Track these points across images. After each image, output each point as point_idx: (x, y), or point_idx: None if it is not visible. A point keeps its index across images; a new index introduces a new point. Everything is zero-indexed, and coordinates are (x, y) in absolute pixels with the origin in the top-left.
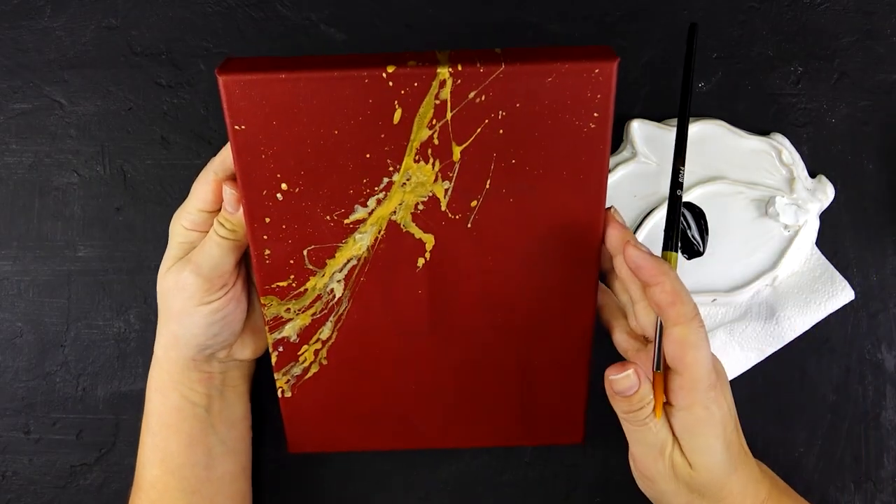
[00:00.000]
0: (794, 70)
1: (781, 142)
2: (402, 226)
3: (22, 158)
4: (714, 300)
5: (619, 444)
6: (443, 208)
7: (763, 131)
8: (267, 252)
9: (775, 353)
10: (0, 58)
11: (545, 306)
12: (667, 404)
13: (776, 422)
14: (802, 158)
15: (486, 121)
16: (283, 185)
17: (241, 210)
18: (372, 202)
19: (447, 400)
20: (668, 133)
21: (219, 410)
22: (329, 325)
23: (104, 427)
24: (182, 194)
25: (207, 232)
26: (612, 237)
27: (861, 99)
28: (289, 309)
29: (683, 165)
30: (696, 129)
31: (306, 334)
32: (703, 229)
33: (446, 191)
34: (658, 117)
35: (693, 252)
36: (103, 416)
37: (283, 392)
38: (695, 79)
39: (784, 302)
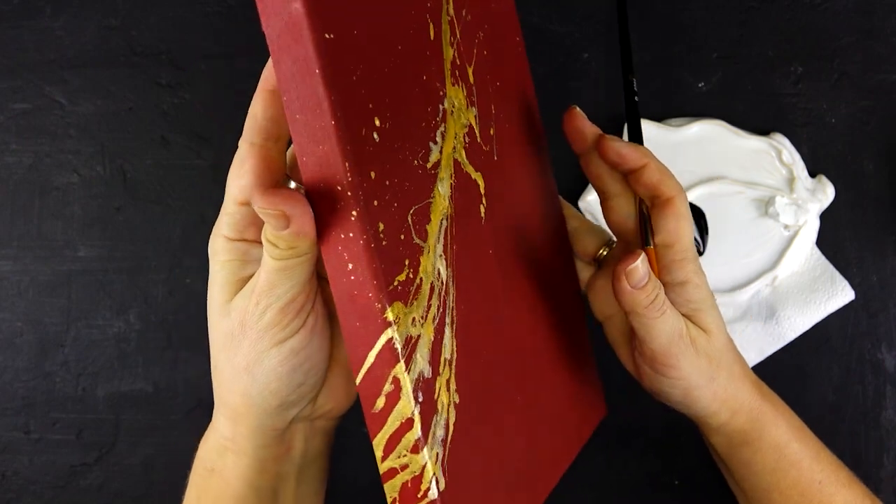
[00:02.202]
0: (794, 70)
1: (781, 142)
2: (462, 165)
3: (22, 158)
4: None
5: (619, 443)
6: (478, 139)
7: (763, 131)
8: (381, 227)
9: (775, 353)
10: (0, 58)
11: (550, 254)
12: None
13: None
14: (802, 158)
15: (476, 40)
16: (377, 120)
17: (293, 226)
18: (439, 137)
19: (539, 410)
20: (668, 133)
21: (289, 493)
22: (448, 332)
23: (104, 427)
24: (182, 194)
25: (258, 236)
26: (586, 135)
27: (861, 99)
28: (414, 319)
29: (634, 76)
30: (696, 129)
31: (435, 358)
32: (703, 229)
33: (476, 117)
34: (658, 117)
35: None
36: (103, 416)
37: (437, 483)
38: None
39: (784, 302)
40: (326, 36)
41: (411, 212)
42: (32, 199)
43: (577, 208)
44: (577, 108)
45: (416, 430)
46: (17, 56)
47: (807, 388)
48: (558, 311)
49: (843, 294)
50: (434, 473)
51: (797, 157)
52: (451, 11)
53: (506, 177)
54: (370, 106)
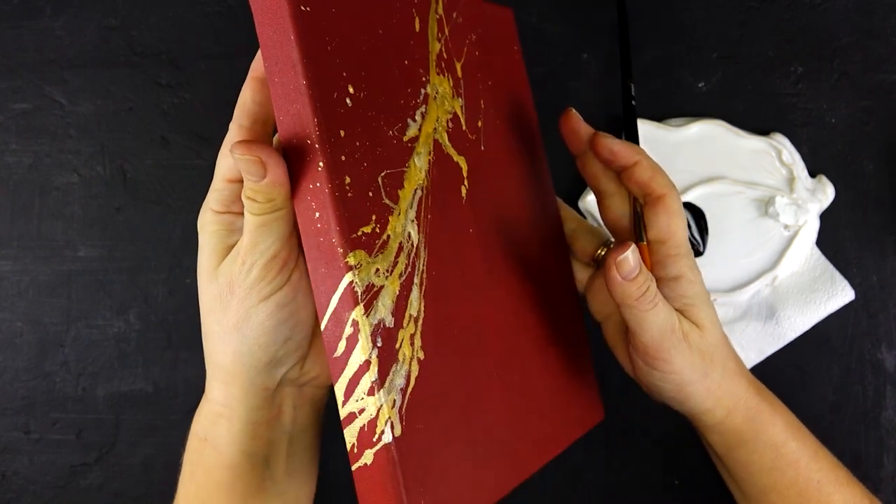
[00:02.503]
0: (794, 70)
1: (781, 142)
2: (443, 146)
3: (22, 158)
4: (714, 300)
5: (618, 443)
6: (463, 127)
7: (763, 131)
8: (347, 180)
9: (775, 353)
10: (0, 58)
11: (543, 251)
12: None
13: None
14: (802, 158)
15: (468, 41)
16: (350, 88)
17: (269, 175)
18: (418, 116)
19: (524, 394)
20: (668, 133)
21: (281, 463)
22: (416, 291)
23: (104, 427)
24: (182, 194)
25: (243, 209)
26: (582, 136)
27: (861, 99)
28: (378, 270)
29: (633, 81)
30: (696, 129)
31: (399, 311)
32: (703, 229)
33: (462, 107)
34: (658, 117)
35: (693, 252)
36: (103, 416)
37: (392, 428)
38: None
39: (784, 302)
40: (303, 8)
41: (382, 174)
42: (32, 199)
43: (577, 209)
44: (573, 110)
45: (373, 373)
46: (17, 56)
47: (807, 388)
48: (552, 307)
49: (843, 294)
50: (389, 418)
51: (797, 157)
52: (441, 11)
53: (493, 167)
54: (344, 74)
